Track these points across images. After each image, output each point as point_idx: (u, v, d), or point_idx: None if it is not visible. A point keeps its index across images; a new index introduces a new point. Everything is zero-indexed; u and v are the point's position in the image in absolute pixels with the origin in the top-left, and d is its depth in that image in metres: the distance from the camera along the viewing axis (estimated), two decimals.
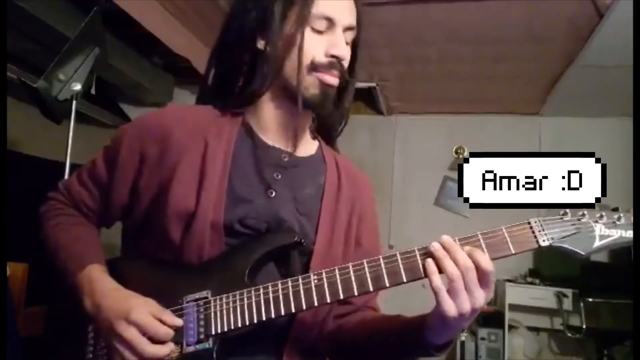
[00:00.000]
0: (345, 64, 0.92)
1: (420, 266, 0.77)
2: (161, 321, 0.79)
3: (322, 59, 0.90)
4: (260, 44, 0.92)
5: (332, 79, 0.90)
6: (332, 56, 0.89)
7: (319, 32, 0.90)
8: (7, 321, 1.66)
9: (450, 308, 0.74)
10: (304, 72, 0.90)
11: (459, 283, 0.73)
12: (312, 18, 0.89)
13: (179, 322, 0.81)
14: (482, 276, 0.74)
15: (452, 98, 4.30)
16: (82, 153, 1.99)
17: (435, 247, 0.76)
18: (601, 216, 0.77)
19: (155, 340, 0.78)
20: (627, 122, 4.14)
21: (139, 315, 0.78)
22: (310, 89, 0.90)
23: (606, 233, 0.76)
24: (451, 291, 0.74)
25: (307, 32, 0.90)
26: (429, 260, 0.76)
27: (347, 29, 0.92)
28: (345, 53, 0.91)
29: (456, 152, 4.54)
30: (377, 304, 1.04)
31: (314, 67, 0.89)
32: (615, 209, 0.78)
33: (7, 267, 1.87)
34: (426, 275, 0.76)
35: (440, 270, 0.75)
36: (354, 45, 0.97)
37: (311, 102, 0.91)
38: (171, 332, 0.79)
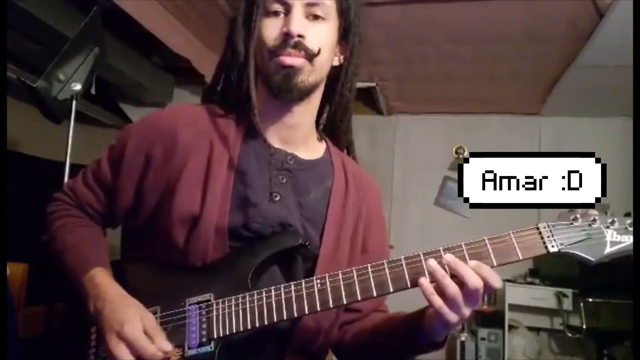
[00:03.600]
0: (315, 40, 0.87)
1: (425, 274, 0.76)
2: (152, 341, 0.77)
3: (276, 41, 0.87)
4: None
5: (289, 59, 0.86)
6: (284, 34, 0.86)
7: (276, 15, 0.89)
8: (7, 321, 1.66)
9: (452, 318, 0.73)
10: (266, 59, 0.89)
11: (459, 300, 0.73)
12: (268, 3, 0.88)
13: (167, 347, 0.78)
14: (487, 291, 0.74)
15: (452, 98, 4.30)
16: (82, 153, 1.99)
17: (433, 266, 0.74)
18: (613, 222, 0.75)
19: (141, 358, 0.77)
20: (627, 122, 4.13)
21: (131, 331, 0.76)
22: (274, 75, 0.88)
23: (618, 239, 0.74)
24: (452, 306, 0.73)
25: (265, 18, 0.89)
26: (424, 280, 0.74)
27: (309, 4, 0.88)
28: (295, 28, 0.85)
29: (456, 152, 4.54)
30: (386, 306, 1.03)
31: (272, 51, 0.87)
32: (628, 214, 0.76)
33: (7, 267, 1.87)
34: (424, 295, 0.74)
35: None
36: (345, 15, 0.92)
37: (276, 89, 0.88)
38: (159, 355, 0.77)
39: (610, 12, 2.59)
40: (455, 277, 0.74)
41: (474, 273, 0.72)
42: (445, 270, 0.74)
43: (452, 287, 0.73)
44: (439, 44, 3.26)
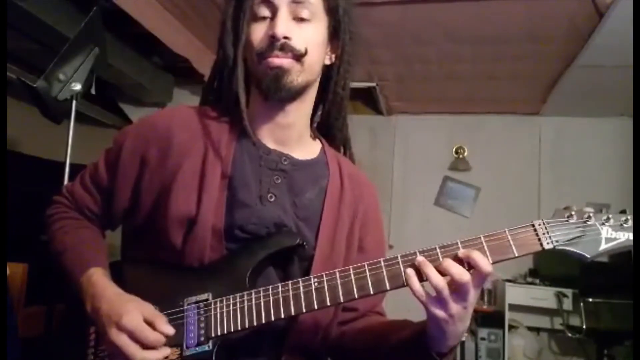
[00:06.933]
0: (302, 40, 0.88)
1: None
2: (153, 326, 0.78)
3: (263, 43, 0.88)
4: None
5: (276, 60, 0.86)
6: (270, 37, 0.87)
7: (264, 18, 0.89)
8: (7, 321, 1.66)
9: (438, 312, 0.73)
10: (255, 63, 0.89)
11: (445, 292, 0.72)
12: (254, 6, 0.89)
13: (170, 330, 0.79)
14: (479, 278, 0.73)
15: (452, 98, 4.30)
16: (82, 153, 2.00)
17: (419, 259, 0.75)
18: (608, 218, 0.75)
19: (145, 346, 0.77)
20: (627, 122, 4.14)
21: (130, 320, 0.77)
22: (264, 77, 0.88)
23: (613, 236, 0.75)
24: (438, 300, 0.73)
25: (252, 22, 0.90)
26: (410, 270, 0.74)
27: (294, 4, 0.88)
28: (280, 30, 0.86)
29: (456, 152, 4.54)
30: (383, 308, 1.03)
31: (260, 54, 0.88)
32: (623, 211, 0.76)
33: (7, 267, 1.87)
34: (409, 285, 0.74)
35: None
36: (333, 13, 0.92)
37: (266, 90, 0.89)
38: (162, 339, 0.78)
39: (610, 12, 2.59)
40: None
41: (460, 268, 0.72)
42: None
43: (436, 277, 0.72)
44: (439, 44, 3.26)
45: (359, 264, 0.79)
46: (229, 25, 0.93)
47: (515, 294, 3.92)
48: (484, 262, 0.72)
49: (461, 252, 0.74)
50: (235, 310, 0.80)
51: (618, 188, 3.96)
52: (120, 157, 0.94)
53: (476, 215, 4.40)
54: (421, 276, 0.74)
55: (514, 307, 3.94)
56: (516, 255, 0.75)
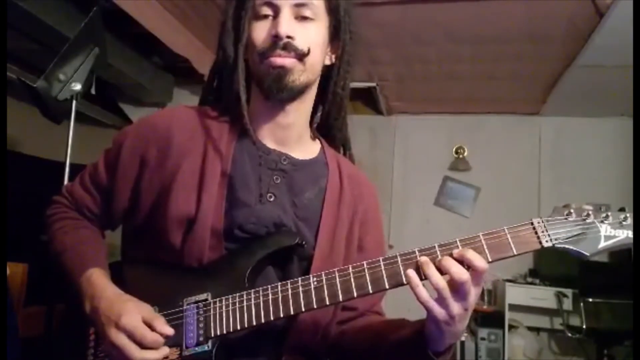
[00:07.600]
0: (304, 40, 0.88)
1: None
2: (152, 327, 0.78)
3: (266, 43, 0.88)
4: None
5: (279, 60, 0.86)
6: (273, 37, 0.87)
7: (265, 18, 0.89)
8: (7, 321, 1.66)
9: (439, 314, 0.73)
10: (257, 62, 0.89)
11: (446, 292, 0.72)
12: (256, 6, 0.89)
13: (168, 330, 0.79)
14: (477, 276, 0.73)
15: (452, 98, 4.30)
16: (82, 153, 2.00)
17: (422, 259, 0.75)
18: (607, 216, 0.75)
19: (143, 346, 0.77)
20: (627, 122, 4.14)
21: (129, 320, 0.77)
22: (266, 77, 0.88)
23: (612, 234, 0.74)
24: (439, 300, 0.73)
25: (254, 21, 0.90)
26: (411, 272, 0.74)
27: (297, 4, 0.88)
28: (284, 29, 0.86)
29: (456, 152, 4.54)
30: (382, 307, 1.03)
31: (262, 53, 0.88)
32: (622, 209, 0.76)
33: (7, 267, 1.87)
34: (410, 286, 0.74)
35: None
36: (334, 13, 0.93)
37: (268, 89, 0.88)
38: (160, 339, 0.78)
39: (610, 12, 2.59)
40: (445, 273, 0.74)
41: (459, 267, 0.72)
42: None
43: (436, 277, 0.72)
44: (439, 44, 3.27)
45: (358, 263, 0.79)
46: (230, 25, 0.93)
47: (515, 294, 3.92)
48: (479, 260, 0.72)
49: (455, 252, 0.74)
50: (234, 310, 0.80)
51: (618, 188, 3.96)
52: (120, 157, 0.94)
53: (476, 215, 4.40)
54: (421, 276, 0.75)
55: (514, 307, 3.94)
56: (515, 253, 0.75)
